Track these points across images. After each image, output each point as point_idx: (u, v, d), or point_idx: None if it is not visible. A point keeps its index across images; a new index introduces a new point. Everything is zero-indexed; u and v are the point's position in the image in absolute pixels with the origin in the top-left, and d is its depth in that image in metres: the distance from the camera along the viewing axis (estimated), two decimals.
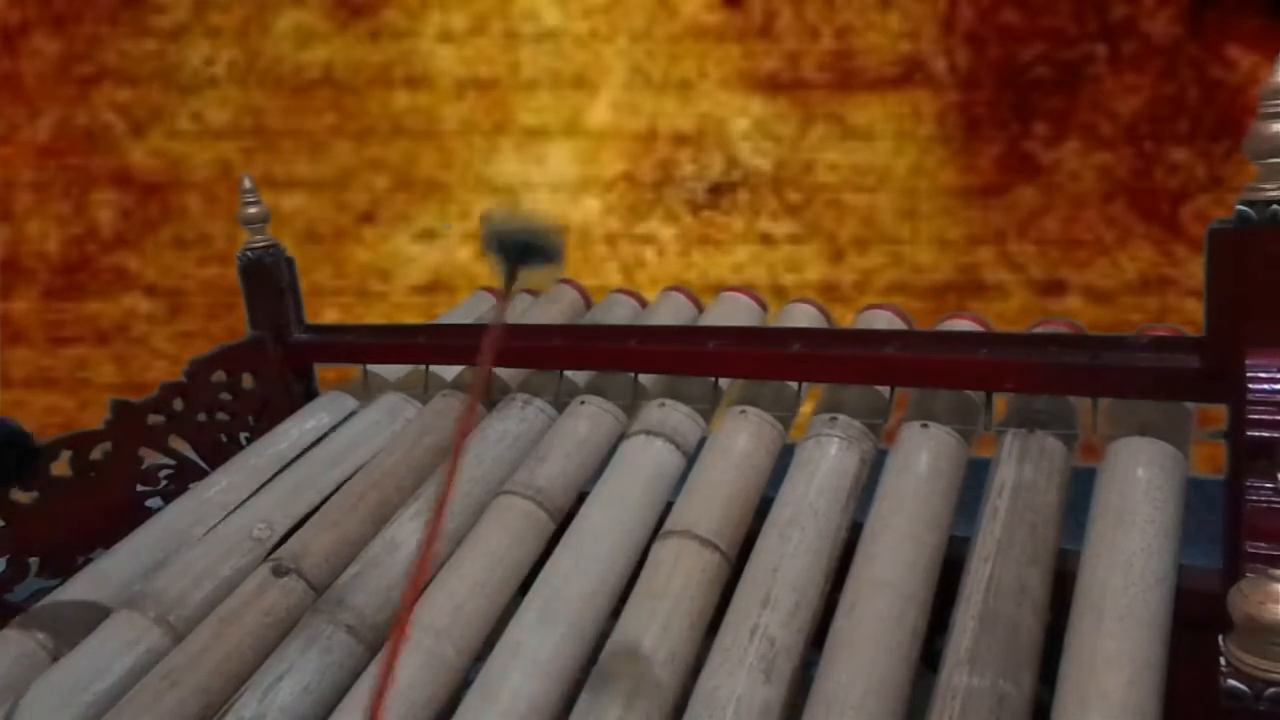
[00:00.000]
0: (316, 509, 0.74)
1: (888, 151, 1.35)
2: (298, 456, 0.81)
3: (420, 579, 0.52)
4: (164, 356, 1.52)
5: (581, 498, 0.70)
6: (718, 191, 1.41)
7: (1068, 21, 1.28)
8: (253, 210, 0.87)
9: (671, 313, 0.89)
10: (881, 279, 1.37)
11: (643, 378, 0.78)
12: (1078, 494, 0.60)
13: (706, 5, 1.37)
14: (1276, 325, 0.52)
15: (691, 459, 0.71)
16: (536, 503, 0.69)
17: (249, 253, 0.88)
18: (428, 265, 1.49)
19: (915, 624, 0.55)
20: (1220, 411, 0.56)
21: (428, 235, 1.48)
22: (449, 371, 0.85)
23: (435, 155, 1.46)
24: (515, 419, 0.78)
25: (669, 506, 0.67)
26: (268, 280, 0.88)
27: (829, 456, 0.66)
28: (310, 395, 0.90)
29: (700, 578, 0.61)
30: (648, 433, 0.72)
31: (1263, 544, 0.47)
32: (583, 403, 0.77)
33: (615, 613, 0.61)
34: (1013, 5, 1.29)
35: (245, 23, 1.45)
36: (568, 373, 0.80)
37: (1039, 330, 0.69)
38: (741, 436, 0.70)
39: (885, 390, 0.69)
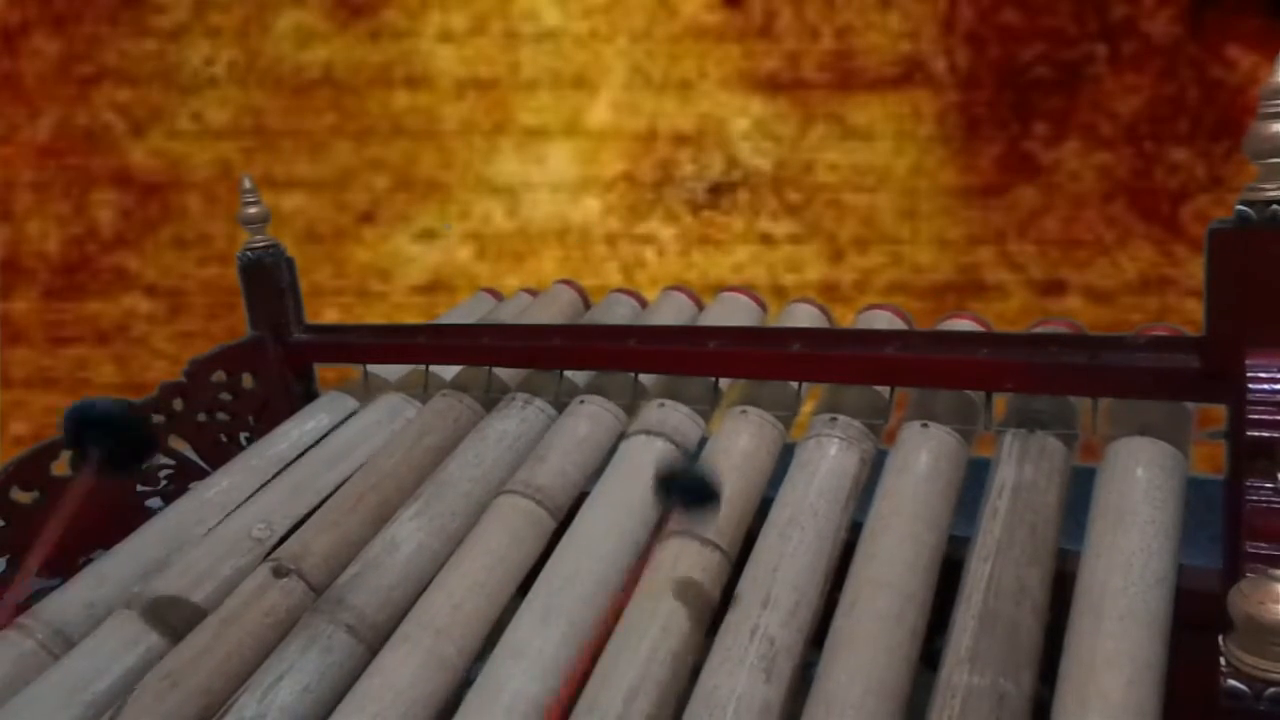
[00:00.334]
0: (316, 509, 0.74)
1: (888, 151, 1.35)
2: (298, 457, 0.81)
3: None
4: (164, 356, 1.52)
5: (582, 497, 0.70)
6: (718, 191, 1.41)
7: (1068, 21, 1.28)
8: (253, 210, 0.87)
9: (672, 312, 0.89)
10: (881, 279, 1.37)
11: (643, 378, 0.78)
12: (1078, 494, 0.60)
13: (706, 5, 1.37)
14: (1276, 325, 0.52)
15: (692, 459, 0.71)
16: (537, 502, 0.69)
17: (249, 253, 0.88)
18: (428, 265, 1.49)
19: (915, 623, 0.55)
20: (1220, 411, 0.56)
21: (428, 235, 1.48)
22: (449, 371, 0.85)
23: (435, 155, 1.46)
24: (515, 419, 0.78)
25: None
26: (268, 280, 0.88)
27: (829, 457, 0.66)
28: (310, 395, 0.90)
29: (700, 577, 0.61)
30: (648, 433, 0.72)
31: (1263, 544, 0.47)
32: (583, 402, 0.77)
33: (615, 613, 0.61)
34: (1013, 5, 1.29)
35: (245, 23, 1.45)
36: (568, 373, 0.80)
37: (1039, 330, 0.70)
38: (743, 436, 0.70)
39: (885, 390, 0.69)
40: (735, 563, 0.62)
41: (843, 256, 1.38)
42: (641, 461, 0.70)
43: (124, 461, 0.58)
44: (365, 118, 1.46)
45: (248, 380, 0.87)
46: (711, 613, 0.60)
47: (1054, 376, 0.61)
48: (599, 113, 1.42)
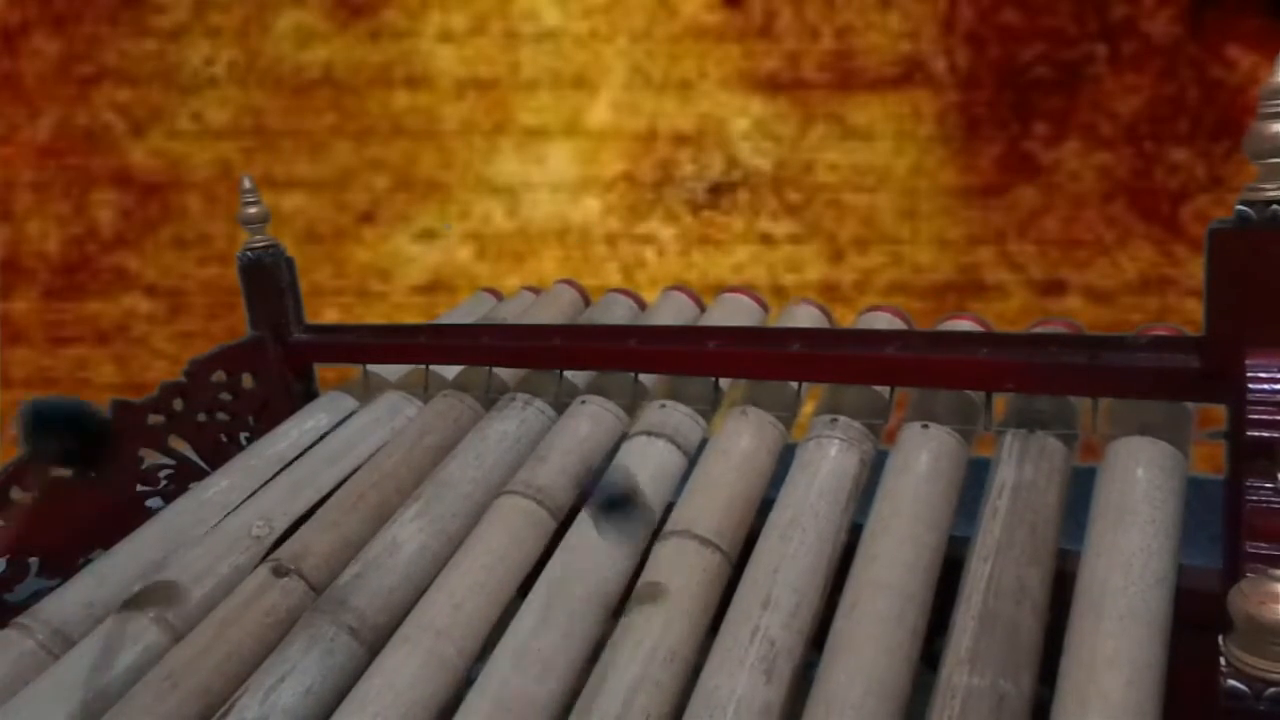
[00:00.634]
0: (316, 508, 0.74)
1: (888, 151, 1.35)
2: (297, 456, 0.81)
3: None
4: (164, 356, 1.52)
5: (583, 498, 0.70)
6: (718, 191, 1.41)
7: (1068, 21, 1.28)
8: (253, 210, 0.87)
9: (673, 313, 0.89)
10: (881, 279, 1.37)
11: (643, 378, 0.78)
12: (1078, 494, 0.60)
13: (706, 5, 1.37)
14: (1276, 325, 0.52)
15: (693, 459, 0.71)
16: (538, 502, 0.69)
17: (249, 253, 0.88)
18: (428, 265, 1.49)
19: (915, 624, 0.55)
20: (1220, 411, 0.56)
21: (428, 235, 1.48)
22: (449, 371, 0.85)
23: (435, 155, 1.46)
24: (516, 419, 0.78)
25: (670, 506, 0.67)
26: (268, 280, 0.88)
27: (829, 458, 0.66)
28: (310, 395, 0.90)
29: (701, 578, 0.61)
30: (649, 433, 0.72)
31: (1263, 544, 0.47)
32: (584, 403, 0.77)
33: (615, 613, 0.61)
34: (1013, 5, 1.29)
35: (245, 23, 1.45)
36: (568, 373, 0.80)
37: (1039, 330, 0.69)
38: (743, 437, 0.70)
39: (885, 391, 0.69)
40: (735, 563, 0.62)
41: (843, 256, 1.38)
42: (643, 462, 0.70)
43: (81, 457, 0.58)
44: (365, 118, 1.46)
45: (248, 380, 0.87)
46: (712, 613, 0.60)
47: (1054, 376, 0.61)
48: (599, 113, 1.42)
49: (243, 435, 0.86)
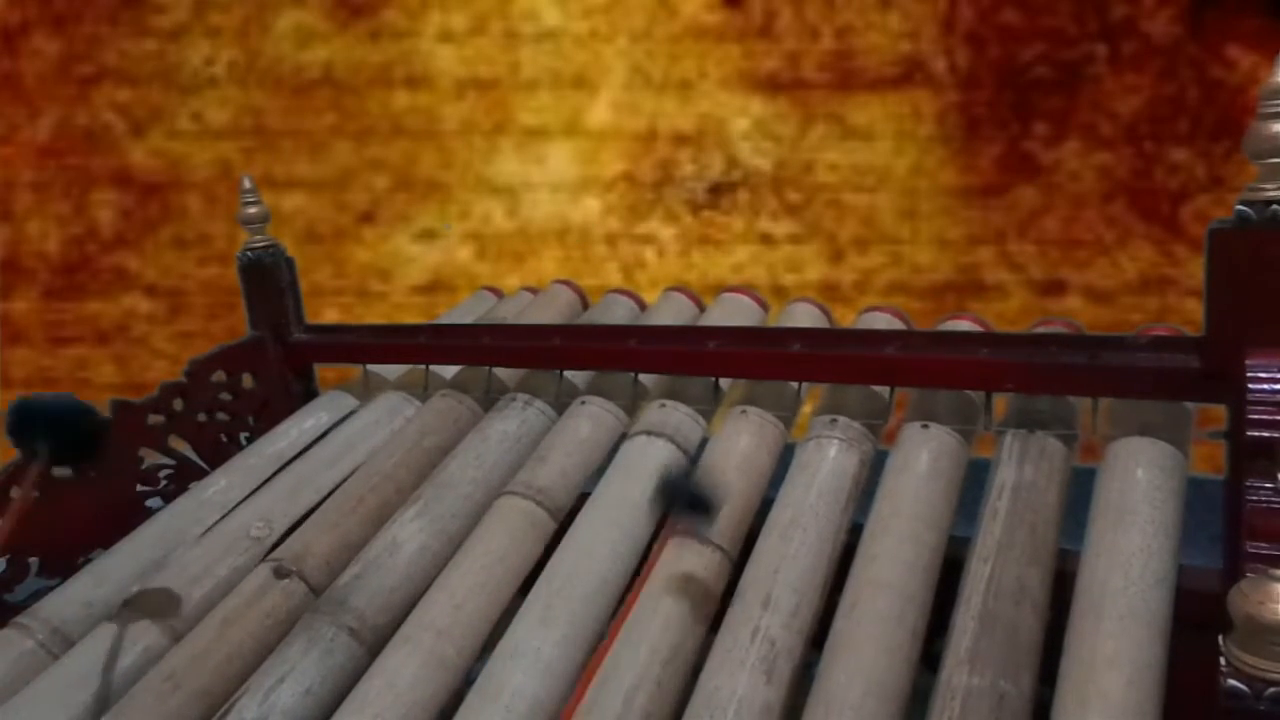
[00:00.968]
0: (315, 508, 0.74)
1: (888, 151, 1.35)
2: (297, 456, 0.81)
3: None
4: (164, 356, 1.52)
5: (583, 498, 0.70)
6: (718, 191, 1.41)
7: (1068, 21, 1.28)
8: (253, 210, 0.87)
9: (673, 313, 0.89)
10: (881, 279, 1.37)
11: (643, 378, 0.78)
12: (1078, 494, 0.60)
13: (706, 5, 1.37)
14: (1276, 325, 0.52)
15: (693, 459, 0.71)
16: (537, 503, 0.69)
17: (249, 253, 0.88)
18: (428, 265, 1.49)
19: (915, 624, 0.55)
20: (1220, 411, 0.56)
21: (428, 235, 1.48)
22: (449, 371, 0.85)
23: (435, 155, 1.46)
24: (516, 419, 0.78)
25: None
26: (268, 280, 0.88)
27: (829, 458, 0.66)
28: (310, 395, 0.90)
29: (701, 578, 0.61)
30: (649, 433, 0.72)
31: (1263, 544, 0.47)
32: (584, 403, 0.77)
33: (615, 613, 0.61)
34: (1013, 5, 1.29)
35: (245, 23, 1.45)
36: (568, 373, 0.80)
37: (1039, 330, 0.70)
38: (743, 437, 0.70)
39: (885, 391, 0.69)
40: (736, 563, 0.62)
41: (843, 256, 1.38)
42: (643, 462, 0.70)
43: (70, 455, 0.58)
44: (365, 118, 1.46)
45: (248, 380, 0.87)
46: (712, 613, 0.60)
47: (1054, 376, 0.61)
48: (599, 113, 1.42)
49: (243, 435, 0.86)
